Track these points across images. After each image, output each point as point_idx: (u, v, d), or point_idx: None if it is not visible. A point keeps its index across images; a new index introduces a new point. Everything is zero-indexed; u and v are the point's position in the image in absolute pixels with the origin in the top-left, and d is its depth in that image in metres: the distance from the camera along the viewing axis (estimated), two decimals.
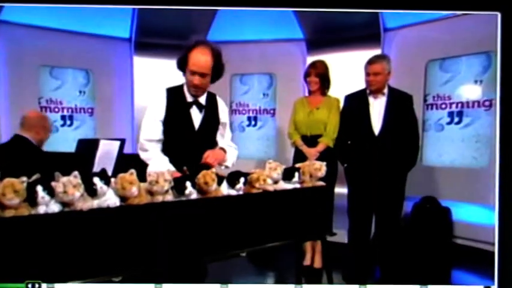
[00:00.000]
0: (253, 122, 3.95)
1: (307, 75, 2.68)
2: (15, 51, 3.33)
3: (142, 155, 1.90)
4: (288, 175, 1.76)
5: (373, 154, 2.47)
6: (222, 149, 1.97)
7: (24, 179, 1.25)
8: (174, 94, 1.92)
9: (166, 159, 1.86)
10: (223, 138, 2.04)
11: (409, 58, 3.22)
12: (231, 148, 2.03)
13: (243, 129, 3.98)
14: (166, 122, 1.89)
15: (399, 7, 1.45)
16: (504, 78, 1.31)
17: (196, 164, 1.79)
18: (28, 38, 3.34)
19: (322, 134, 2.64)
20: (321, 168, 1.87)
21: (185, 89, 1.93)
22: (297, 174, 1.78)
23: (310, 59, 3.27)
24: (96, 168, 2.32)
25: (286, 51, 3.68)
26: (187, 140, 1.90)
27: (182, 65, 1.88)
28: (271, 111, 3.90)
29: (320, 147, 2.62)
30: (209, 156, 1.85)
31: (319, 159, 2.32)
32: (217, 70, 1.88)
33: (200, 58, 1.82)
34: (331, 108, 2.64)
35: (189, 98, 1.92)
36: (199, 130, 1.92)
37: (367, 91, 2.56)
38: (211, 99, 1.98)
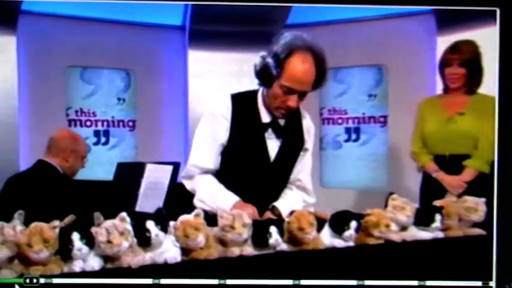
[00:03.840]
0: (353, 135, 3.90)
1: (445, 64, 2.54)
2: (38, 49, 3.60)
3: (190, 185, 1.90)
4: (423, 218, 1.69)
5: None
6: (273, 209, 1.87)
7: (57, 223, 1.27)
8: (243, 108, 1.87)
9: (231, 194, 1.82)
10: (299, 171, 1.97)
11: None
12: (295, 199, 1.95)
13: (339, 145, 3.94)
14: (230, 147, 1.86)
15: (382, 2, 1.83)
16: (503, 74, 1.64)
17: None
18: (54, 31, 3.60)
19: (471, 153, 2.48)
20: (478, 207, 1.76)
21: (260, 101, 1.88)
22: (438, 216, 1.69)
23: (442, 41, 3.10)
24: (142, 203, 2.36)
25: (401, 31, 3.58)
26: (257, 175, 1.86)
27: (270, 77, 1.78)
28: (381, 119, 3.81)
29: (468, 174, 2.46)
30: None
31: (467, 192, 2.17)
32: (319, 81, 1.80)
33: (300, 70, 1.74)
34: (485, 113, 2.41)
35: (266, 117, 1.87)
36: (275, 162, 1.88)
37: None
38: (294, 115, 1.92)
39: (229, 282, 1.40)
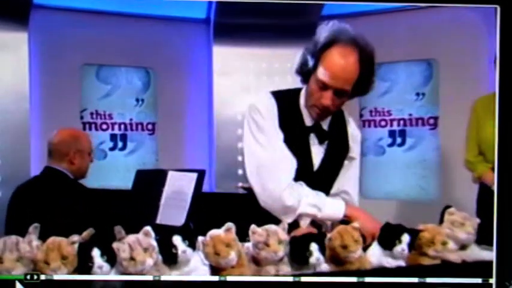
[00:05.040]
0: (398, 140, 3.86)
1: None
2: (51, 45, 3.66)
3: (293, 198, 1.78)
4: (487, 236, 1.65)
5: None
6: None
7: (76, 238, 1.28)
8: (287, 108, 1.85)
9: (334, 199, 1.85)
10: (342, 181, 1.95)
11: None
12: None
13: (383, 150, 3.90)
14: None
15: None
16: (503, 73, 1.73)
17: None
18: (68, 27, 3.65)
19: None
20: None
21: (302, 102, 1.86)
22: None
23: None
24: (163, 215, 2.37)
25: (454, 21, 3.51)
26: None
27: (307, 70, 1.78)
28: (430, 122, 3.77)
29: None
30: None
31: None
32: (363, 82, 1.76)
33: (338, 63, 1.70)
34: None
35: (308, 121, 1.85)
36: (318, 171, 1.87)
37: None
38: (338, 120, 1.91)
39: (229, 278, 1.44)
